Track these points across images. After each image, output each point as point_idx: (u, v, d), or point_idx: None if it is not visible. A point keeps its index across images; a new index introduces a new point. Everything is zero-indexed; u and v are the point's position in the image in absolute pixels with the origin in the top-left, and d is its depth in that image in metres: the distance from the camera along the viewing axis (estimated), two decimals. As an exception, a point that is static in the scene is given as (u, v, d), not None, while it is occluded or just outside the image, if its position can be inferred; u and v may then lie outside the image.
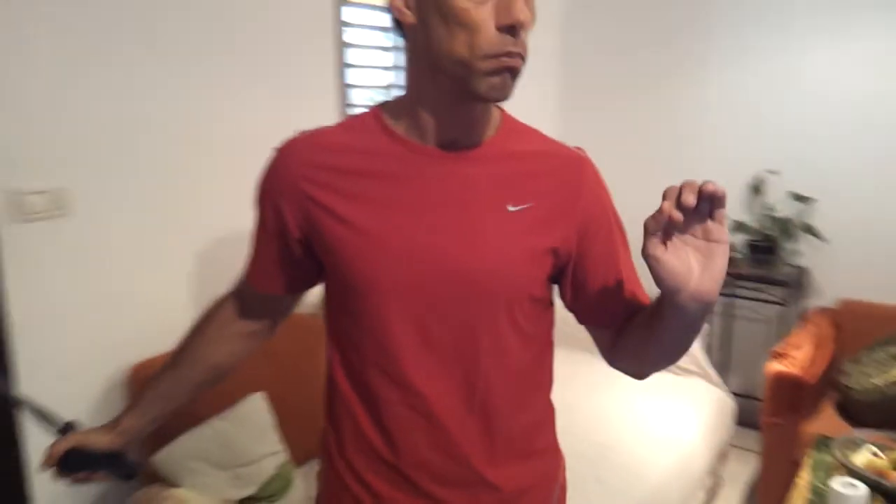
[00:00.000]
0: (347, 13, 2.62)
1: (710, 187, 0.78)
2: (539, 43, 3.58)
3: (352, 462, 1.04)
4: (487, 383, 0.98)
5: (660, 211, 0.80)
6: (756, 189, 3.38)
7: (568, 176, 1.00)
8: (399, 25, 0.95)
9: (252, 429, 2.00)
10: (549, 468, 1.10)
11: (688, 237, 0.82)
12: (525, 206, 0.96)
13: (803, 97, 3.28)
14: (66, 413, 1.20)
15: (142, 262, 2.03)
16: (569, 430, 2.48)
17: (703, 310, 0.85)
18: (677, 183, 0.80)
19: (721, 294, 3.29)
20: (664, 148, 3.66)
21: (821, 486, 2.00)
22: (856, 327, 3.02)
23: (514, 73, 0.89)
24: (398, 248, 0.95)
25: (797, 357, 2.66)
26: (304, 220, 1.00)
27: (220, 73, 2.18)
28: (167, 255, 2.09)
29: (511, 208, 0.96)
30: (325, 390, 1.09)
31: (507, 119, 1.03)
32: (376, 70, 2.88)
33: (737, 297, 3.43)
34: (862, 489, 1.85)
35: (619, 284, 1.02)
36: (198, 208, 2.14)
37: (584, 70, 3.86)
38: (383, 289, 0.96)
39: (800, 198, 3.27)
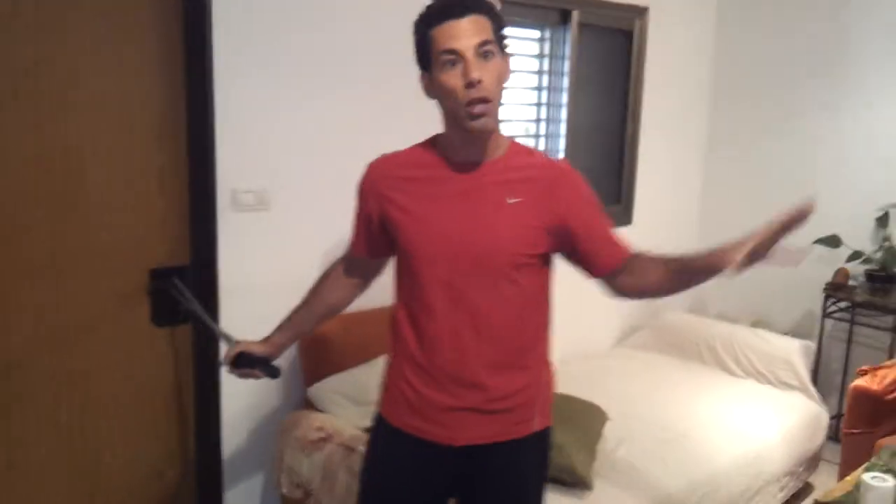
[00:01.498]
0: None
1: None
2: (689, 94, 3.99)
3: (402, 369, 1.60)
4: (489, 321, 1.50)
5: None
6: (881, 221, 3.50)
7: (550, 179, 1.51)
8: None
9: (380, 378, 2.60)
10: (533, 377, 1.59)
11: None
12: (518, 200, 1.48)
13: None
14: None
15: (324, 245, 2.53)
16: (653, 421, 2.86)
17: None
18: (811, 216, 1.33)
19: (840, 320, 3.38)
20: (801, 183, 3.84)
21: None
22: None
23: (483, 109, 1.40)
24: (432, 229, 1.50)
25: (880, 375, 2.82)
26: (382, 210, 1.57)
27: (388, 100, 2.70)
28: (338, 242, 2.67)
29: (509, 201, 1.48)
30: (389, 329, 1.64)
31: (514, 144, 1.56)
32: (524, 106, 3.38)
33: (855, 323, 3.56)
34: (890, 482, 2.04)
35: (601, 242, 1.54)
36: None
37: (729, 111, 4.18)
38: (422, 256, 1.51)
39: (920, 230, 3.36)
